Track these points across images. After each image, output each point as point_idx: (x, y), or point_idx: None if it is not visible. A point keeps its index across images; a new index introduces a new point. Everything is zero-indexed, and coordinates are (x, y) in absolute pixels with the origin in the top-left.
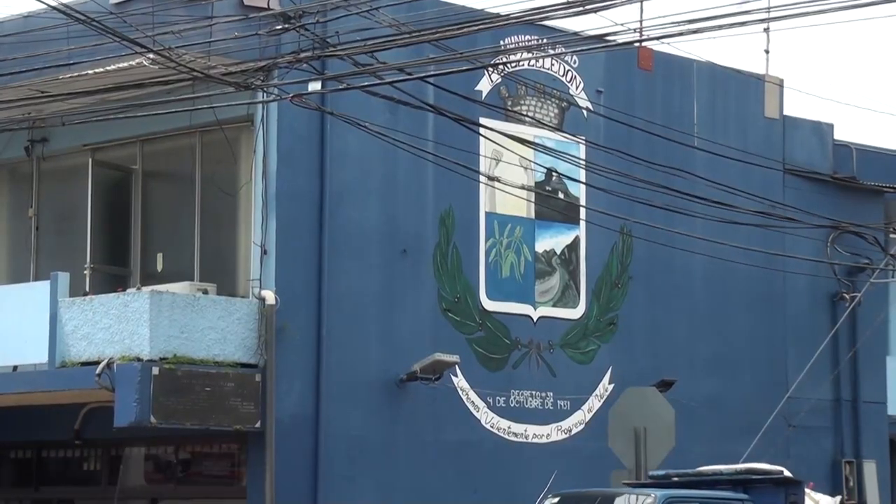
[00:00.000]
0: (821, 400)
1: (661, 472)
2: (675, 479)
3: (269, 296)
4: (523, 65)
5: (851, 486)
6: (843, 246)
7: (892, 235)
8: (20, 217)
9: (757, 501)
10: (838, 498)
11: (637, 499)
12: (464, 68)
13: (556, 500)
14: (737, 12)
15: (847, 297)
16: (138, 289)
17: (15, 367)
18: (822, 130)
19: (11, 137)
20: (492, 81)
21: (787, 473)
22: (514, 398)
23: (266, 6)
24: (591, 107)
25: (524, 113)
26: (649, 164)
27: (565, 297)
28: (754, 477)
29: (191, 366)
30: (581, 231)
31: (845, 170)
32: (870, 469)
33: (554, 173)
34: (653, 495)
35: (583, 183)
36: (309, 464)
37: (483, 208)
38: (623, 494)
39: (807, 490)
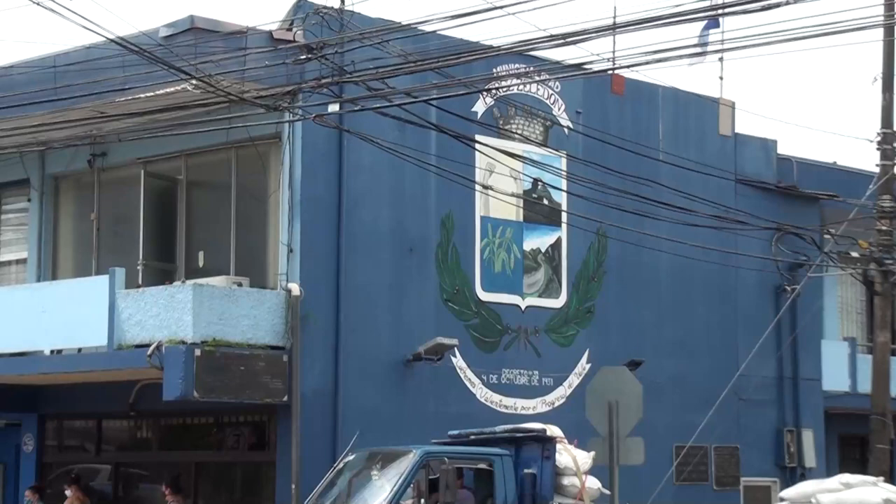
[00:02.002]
0: (766, 377)
1: (457, 432)
2: (472, 437)
3: (295, 288)
4: (513, 89)
5: (792, 451)
6: (785, 245)
7: (826, 236)
8: (83, 220)
9: (523, 456)
10: (592, 453)
11: (402, 453)
12: (461, 92)
13: (352, 456)
14: (695, 44)
15: (788, 289)
16: (183, 282)
17: (79, 349)
18: (767, 146)
19: (76, 152)
20: (486, 104)
21: (551, 432)
22: (505, 376)
23: (292, 39)
24: (571, 125)
25: (514, 131)
26: (621, 175)
27: (549, 288)
28: (519, 435)
29: (228, 348)
30: (563, 232)
31: (787, 180)
32: (808, 436)
33: (539, 182)
34: (413, 450)
35: (564, 191)
36: (329, 432)
37: (478, 212)
38: (402, 451)
39: (568, 445)
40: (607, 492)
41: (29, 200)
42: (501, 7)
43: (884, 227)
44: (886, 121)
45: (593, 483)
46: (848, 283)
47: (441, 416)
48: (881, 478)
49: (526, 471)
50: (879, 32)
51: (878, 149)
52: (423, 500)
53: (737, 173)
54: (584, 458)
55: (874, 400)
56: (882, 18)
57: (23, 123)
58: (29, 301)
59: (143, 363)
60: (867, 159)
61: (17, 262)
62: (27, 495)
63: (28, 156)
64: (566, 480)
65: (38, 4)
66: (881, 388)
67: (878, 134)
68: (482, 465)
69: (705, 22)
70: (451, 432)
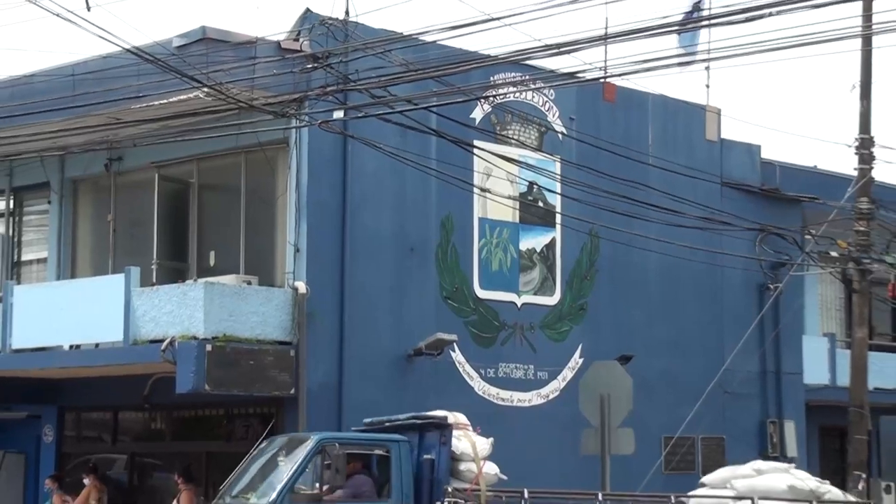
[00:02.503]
0: (750, 371)
1: (370, 420)
2: (386, 424)
3: (301, 286)
4: (509, 97)
5: (775, 441)
6: (768, 245)
7: (807, 237)
8: (101, 222)
9: (425, 442)
10: (490, 440)
11: (302, 439)
12: (460, 100)
13: (265, 444)
14: (682, 54)
15: (771, 287)
16: (195, 280)
17: (97, 345)
18: (751, 151)
19: (93, 157)
20: (483, 110)
21: (454, 419)
22: (502, 370)
23: (299, 49)
24: (565, 131)
25: (510, 136)
26: (612, 179)
27: (544, 287)
28: (420, 422)
29: (237, 343)
30: (557, 233)
31: (771, 183)
32: (789, 427)
33: (534, 186)
34: (311, 437)
35: (558, 194)
36: (333, 423)
37: (476, 214)
38: (302, 438)
39: (470, 432)
40: (504, 477)
41: (49, 203)
42: (498, 18)
43: (862, 228)
44: (864, 126)
45: (491, 469)
46: (828, 281)
47: (441, 408)
48: (792, 465)
49: (426, 456)
50: (858, 42)
51: (856, 153)
52: (317, 484)
53: (722, 177)
54: (484, 445)
55: (852, 393)
56: (860, 29)
57: (43, 129)
58: (49, 299)
59: (156, 358)
60: (846, 163)
61: (38, 261)
62: (47, 484)
63: (48, 160)
64: (463, 466)
65: (57, 16)
66: (859, 381)
67: (857, 139)
68: (379, 451)
69: (693, 32)
70: (365, 420)
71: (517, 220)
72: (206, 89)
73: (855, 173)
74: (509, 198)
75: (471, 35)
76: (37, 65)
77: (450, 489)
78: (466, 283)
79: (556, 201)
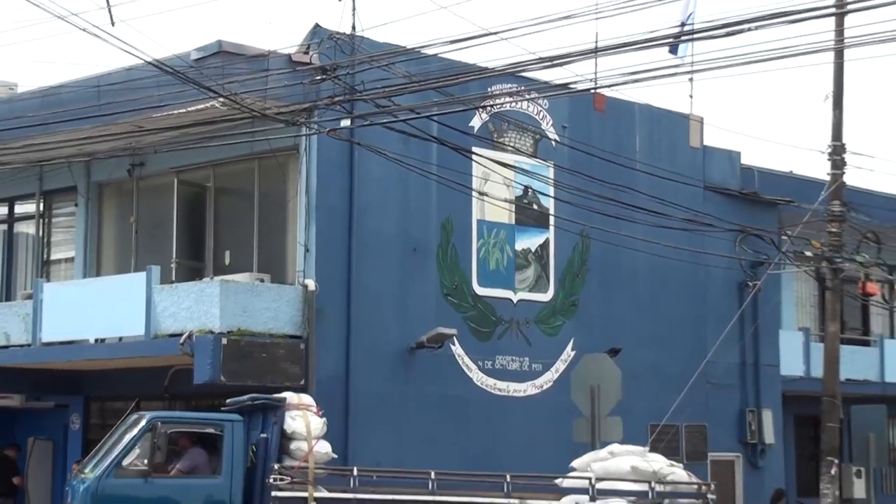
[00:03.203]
0: (731, 363)
1: (231, 400)
2: (237, 405)
3: (311, 284)
4: (506, 106)
5: (754, 429)
6: (747, 245)
7: (783, 237)
8: (124, 223)
9: (264, 422)
10: (324, 420)
11: (139, 418)
12: (460, 109)
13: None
14: (668, 66)
15: (750, 284)
16: (211, 278)
17: (120, 338)
18: (732, 157)
19: (117, 162)
20: (481, 119)
21: (298, 400)
22: (499, 362)
23: (309, 62)
24: (557, 139)
25: (506, 143)
26: (602, 183)
27: (538, 284)
28: (258, 403)
29: (251, 337)
30: (550, 234)
31: (750, 187)
32: (767, 416)
33: (529, 189)
34: (146, 415)
35: (552, 197)
36: (341, 413)
37: (475, 216)
38: (140, 416)
39: (309, 413)
40: (335, 455)
41: (76, 205)
42: (495, 33)
43: (834, 230)
44: (836, 134)
45: (322, 447)
46: (803, 279)
47: (441, 398)
48: (646, 448)
49: (262, 435)
50: (830, 56)
51: (829, 159)
52: (144, 461)
53: (705, 181)
54: (317, 425)
55: (825, 383)
56: (833, 43)
57: (71, 137)
58: (76, 295)
59: (176, 350)
60: (820, 168)
61: (66, 260)
62: (74, 468)
63: (75, 165)
64: (294, 444)
65: (84, 31)
66: (831, 373)
67: (829, 146)
68: (211, 430)
69: (679, 46)
70: (229, 400)
71: (513, 221)
72: (221, 99)
73: (828, 178)
74: (506, 201)
75: (469, 49)
76: (65, 76)
77: (276, 466)
78: (465, 280)
79: (549, 204)
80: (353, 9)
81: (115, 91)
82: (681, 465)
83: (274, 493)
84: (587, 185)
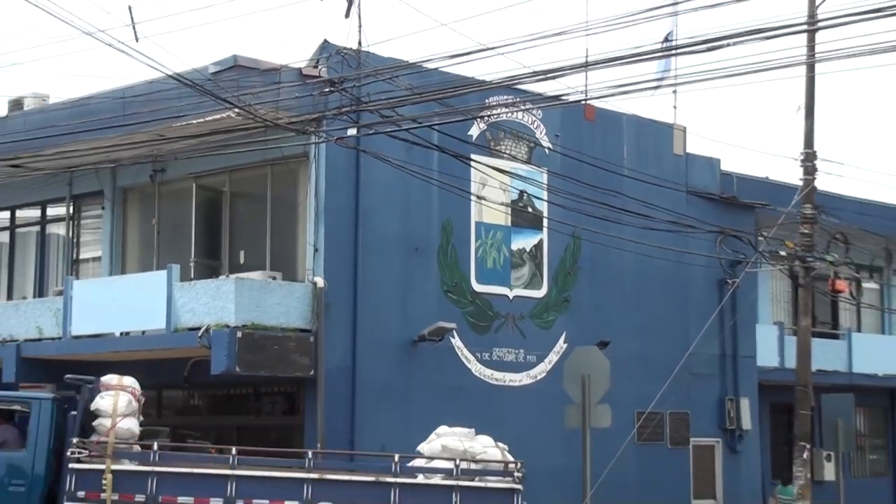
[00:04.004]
0: (711, 355)
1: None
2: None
3: (320, 281)
4: (502, 116)
5: (732, 416)
6: (727, 246)
7: (760, 238)
8: (146, 225)
9: (79, 400)
10: (128, 398)
11: None
12: (459, 119)
13: None
14: (653, 79)
15: (729, 282)
16: (227, 276)
17: (143, 332)
18: (712, 163)
19: (140, 168)
20: (479, 128)
21: (116, 382)
22: (496, 354)
23: (318, 75)
24: (550, 146)
25: (503, 151)
26: (592, 188)
27: (533, 281)
28: (76, 382)
29: (264, 331)
30: (544, 235)
31: (729, 191)
32: (745, 404)
33: (524, 194)
34: None
35: (545, 200)
36: (348, 401)
37: (473, 218)
38: None
39: (121, 392)
40: (137, 431)
41: (103, 208)
42: (492, 48)
43: (806, 231)
44: (808, 142)
45: (127, 424)
46: (777, 277)
47: (441, 387)
48: (472, 430)
49: (73, 412)
50: (803, 69)
51: (801, 166)
52: None
53: (687, 186)
54: (124, 403)
55: (798, 374)
56: (805, 58)
57: (98, 144)
58: (103, 292)
59: (194, 343)
60: (793, 174)
61: (94, 259)
62: None
63: (102, 171)
64: (98, 421)
65: (110, 46)
66: (804, 364)
67: (802, 153)
68: (19, 408)
69: (662, 60)
70: (66, 377)
71: (509, 223)
72: (237, 110)
73: (800, 183)
74: (502, 204)
75: (468, 63)
76: (93, 89)
77: (75, 440)
78: (464, 278)
79: (543, 207)
80: (360, 26)
81: (138, 102)
82: (506, 447)
83: (71, 466)
84: (578, 189)
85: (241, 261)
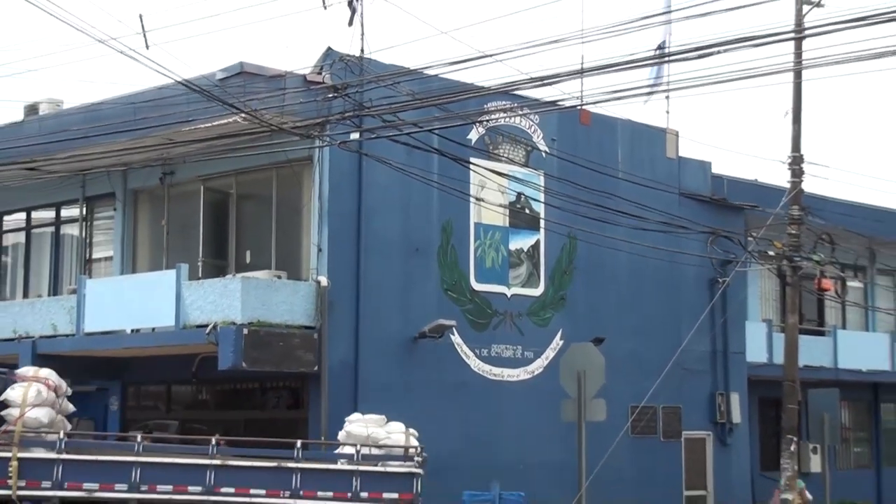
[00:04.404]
0: (703, 351)
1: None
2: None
3: (323, 280)
4: (500, 121)
5: (723, 410)
6: (717, 246)
7: (749, 239)
8: (156, 226)
9: None
10: (37, 387)
11: None
12: (458, 123)
13: None
14: (647, 86)
15: (720, 281)
16: (233, 275)
17: (153, 329)
18: (704, 166)
19: (150, 171)
20: (478, 132)
21: (31, 374)
22: (494, 350)
23: (322, 81)
24: (547, 150)
25: (501, 154)
26: (588, 190)
27: (530, 280)
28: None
29: (269, 328)
30: (541, 235)
31: (719, 193)
32: (734, 398)
33: (522, 195)
34: None
35: (542, 202)
36: (351, 396)
37: (472, 219)
38: None
39: (36, 384)
40: (47, 420)
41: (114, 210)
42: (490, 55)
43: (793, 232)
44: (795, 146)
45: (35, 413)
46: (766, 276)
47: (441, 382)
48: (384, 417)
49: None
50: (790, 76)
51: (789, 168)
52: None
53: (679, 188)
54: (33, 395)
55: (786, 369)
56: (792, 64)
57: (109, 148)
58: (114, 290)
59: (202, 340)
60: (781, 177)
61: (106, 259)
62: None
63: (113, 174)
64: (7, 411)
65: (121, 53)
66: (791, 359)
67: (789, 157)
68: None
69: (655, 67)
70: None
71: (507, 224)
72: (243, 115)
73: (788, 185)
74: (500, 206)
75: (467, 69)
76: (105, 94)
77: None
78: (464, 277)
79: (540, 209)
80: (362, 34)
81: (148, 107)
82: (415, 433)
83: None
84: (574, 191)
85: (248, 260)
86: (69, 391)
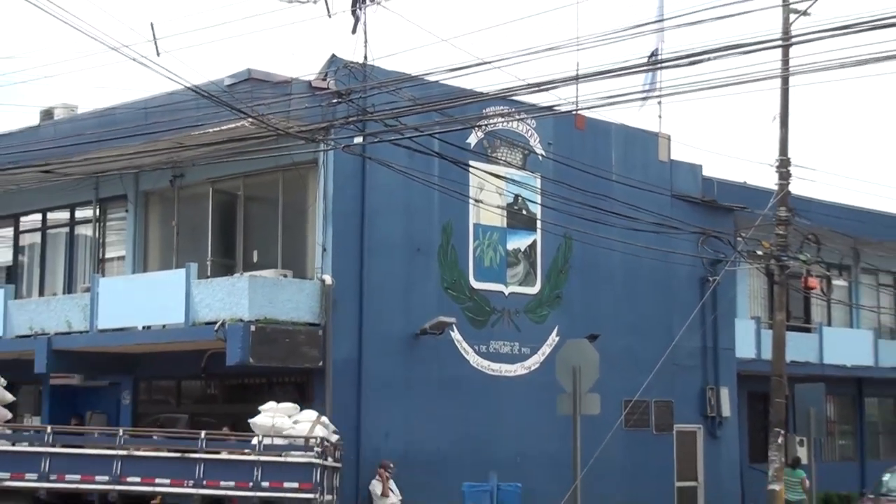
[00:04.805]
0: (694, 347)
1: None
2: None
3: (328, 278)
4: (498, 125)
5: (713, 404)
6: (708, 246)
7: (738, 239)
8: (166, 226)
9: None
10: None
11: None
12: (458, 128)
13: None
14: (640, 92)
15: (710, 280)
16: (241, 274)
17: (164, 326)
18: (695, 169)
19: (161, 174)
20: (477, 136)
21: None
22: (493, 346)
23: (326, 87)
24: (544, 153)
25: (499, 157)
26: (583, 192)
27: (527, 279)
28: None
29: (276, 325)
30: (537, 236)
31: (710, 195)
32: (724, 393)
33: (519, 197)
34: None
35: (538, 204)
36: (354, 391)
37: (471, 220)
38: None
39: None
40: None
41: (126, 211)
42: (489, 62)
43: (781, 232)
44: (783, 150)
45: None
46: (754, 274)
47: (441, 377)
48: (296, 406)
49: None
50: (778, 82)
51: (776, 171)
52: None
53: (671, 190)
54: None
55: (774, 365)
56: (780, 71)
57: (122, 152)
58: (126, 288)
59: (211, 336)
60: (769, 179)
61: (118, 258)
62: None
63: (126, 176)
64: None
65: (134, 60)
66: (779, 355)
67: (777, 160)
68: None
69: (648, 74)
70: None
71: (505, 225)
72: (251, 119)
73: (775, 187)
74: (498, 207)
75: (466, 76)
76: (117, 99)
77: None
78: (463, 276)
79: (536, 210)
80: (365, 41)
81: (159, 112)
82: (328, 422)
83: None
84: (570, 193)
85: (255, 260)
86: (4, 381)
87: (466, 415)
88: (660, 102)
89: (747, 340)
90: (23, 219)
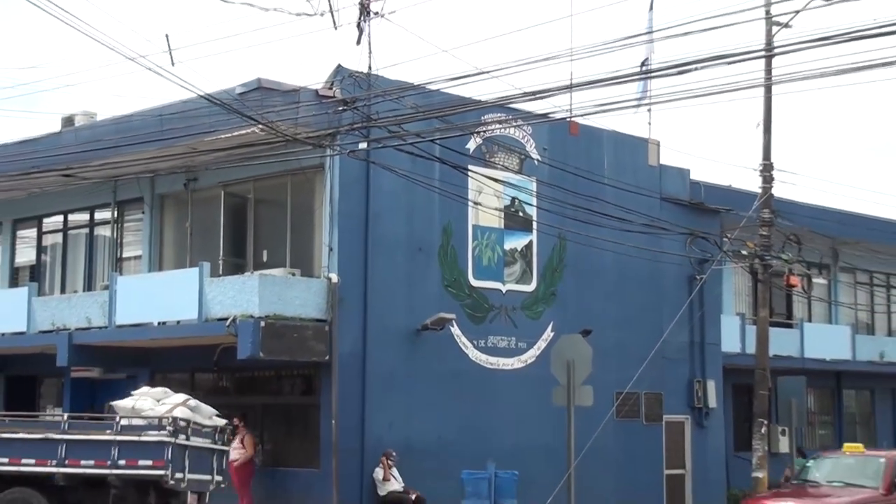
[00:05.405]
0: (682, 342)
1: None
2: None
3: (334, 277)
4: (496, 132)
5: (700, 396)
6: (695, 246)
7: (724, 239)
8: (180, 227)
9: None
10: None
11: None
12: (458, 134)
13: None
14: (631, 100)
15: (698, 278)
16: (251, 273)
17: (178, 322)
18: (683, 173)
19: (176, 178)
20: (476, 142)
21: None
22: (491, 341)
23: (332, 95)
24: (539, 158)
25: (497, 162)
26: (576, 195)
27: (523, 277)
28: None
29: (284, 321)
30: (533, 236)
31: (697, 197)
32: (711, 385)
33: (516, 200)
34: None
35: (534, 206)
36: (359, 383)
37: (471, 222)
38: None
39: None
40: None
41: (143, 213)
42: (487, 72)
43: (764, 233)
44: (766, 155)
45: None
46: (739, 273)
47: (442, 370)
48: (167, 390)
49: None
50: (761, 90)
51: (760, 175)
52: None
53: (661, 193)
54: None
55: (757, 359)
56: (763, 80)
57: (139, 157)
58: (143, 287)
59: (223, 332)
60: (753, 182)
61: (135, 258)
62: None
63: (142, 180)
64: None
65: (150, 70)
66: (762, 350)
67: (761, 164)
68: None
69: (639, 83)
70: None
71: (502, 226)
72: (260, 126)
73: (759, 190)
74: (496, 209)
75: (466, 84)
76: (134, 107)
77: None
78: (463, 274)
79: (532, 212)
80: (370, 52)
81: (174, 119)
82: (191, 406)
83: None
84: (564, 196)
85: (264, 259)
86: None
87: (466, 406)
88: (649, 109)
89: (732, 335)
90: (45, 220)
